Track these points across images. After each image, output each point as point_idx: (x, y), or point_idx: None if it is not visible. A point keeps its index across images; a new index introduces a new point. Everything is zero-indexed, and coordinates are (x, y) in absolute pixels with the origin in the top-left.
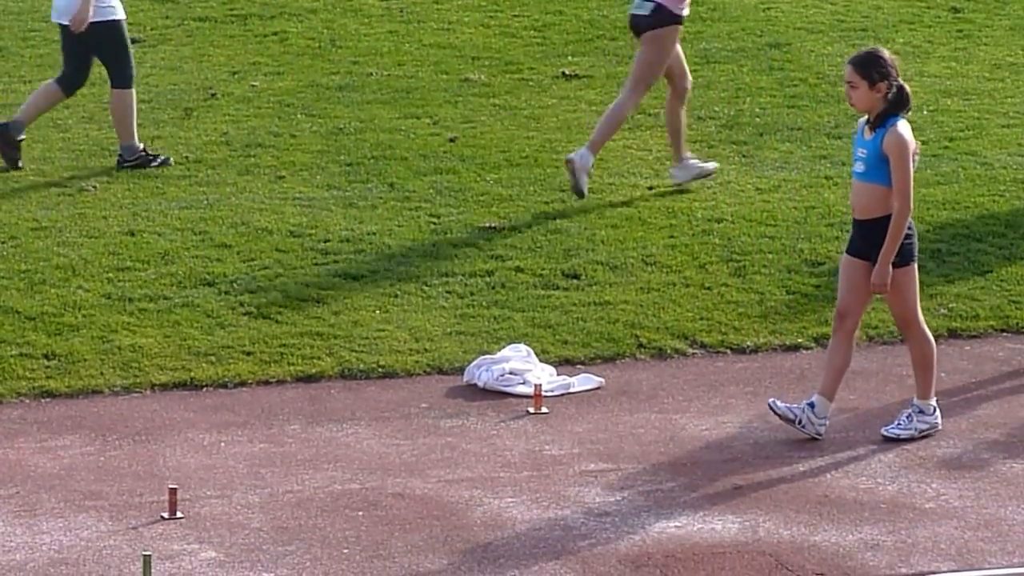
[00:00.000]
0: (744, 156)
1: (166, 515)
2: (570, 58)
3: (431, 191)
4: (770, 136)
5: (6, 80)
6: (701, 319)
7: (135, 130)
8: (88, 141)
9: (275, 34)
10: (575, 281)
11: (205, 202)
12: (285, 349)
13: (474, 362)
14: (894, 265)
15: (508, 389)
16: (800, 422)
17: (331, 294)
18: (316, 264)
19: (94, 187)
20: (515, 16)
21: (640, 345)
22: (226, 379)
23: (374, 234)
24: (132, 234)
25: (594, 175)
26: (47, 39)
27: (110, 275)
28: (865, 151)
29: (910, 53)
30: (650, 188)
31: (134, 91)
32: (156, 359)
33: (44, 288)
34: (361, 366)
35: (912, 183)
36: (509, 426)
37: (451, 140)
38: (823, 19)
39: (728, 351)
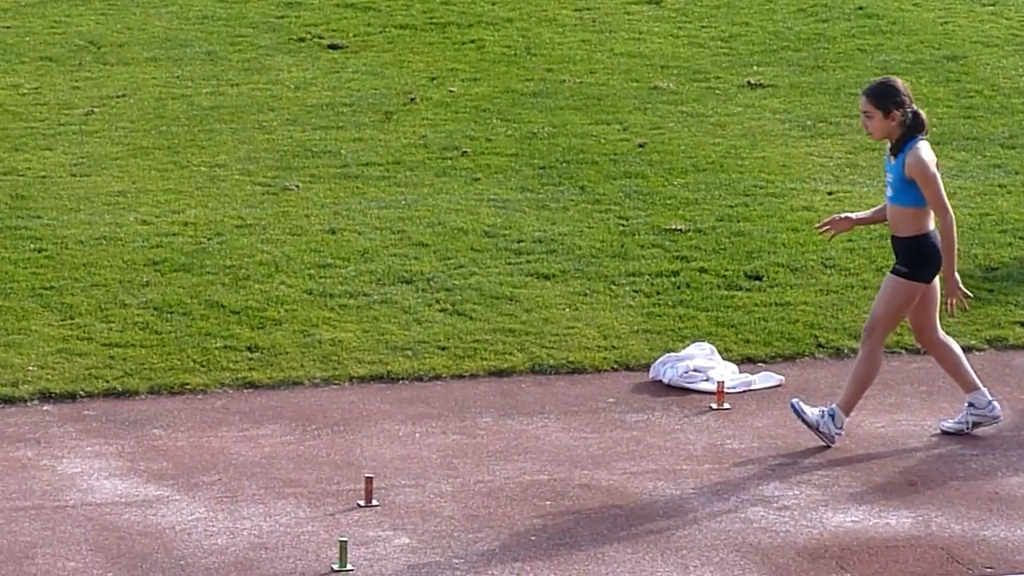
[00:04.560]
0: None
1: (362, 503)
2: (755, 68)
3: (620, 194)
4: (946, 145)
5: (214, 83)
6: None
7: None
8: (292, 142)
9: (472, 42)
10: (757, 282)
11: (403, 202)
12: (478, 345)
13: (659, 359)
14: (907, 276)
15: (692, 386)
16: (819, 428)
17: (523, 292)
18: (509, 263)
19: (297, 186)
20: (703, 27)
21: (819, 345)
22: (421, 373)
23: (565, 235)
24: (333, 232)
25: (776, 180)
26: (254, 44)
27: (311, 271)
28: (891, 175)
29: None
30: (830, 193)
31: None
32: (355, 353)
33: (248, 283)
34: (551, 362)
35: (941, 187)
36: (692, 421)
37: (640, 145)
38: (999, 33)
39: (903, 351)
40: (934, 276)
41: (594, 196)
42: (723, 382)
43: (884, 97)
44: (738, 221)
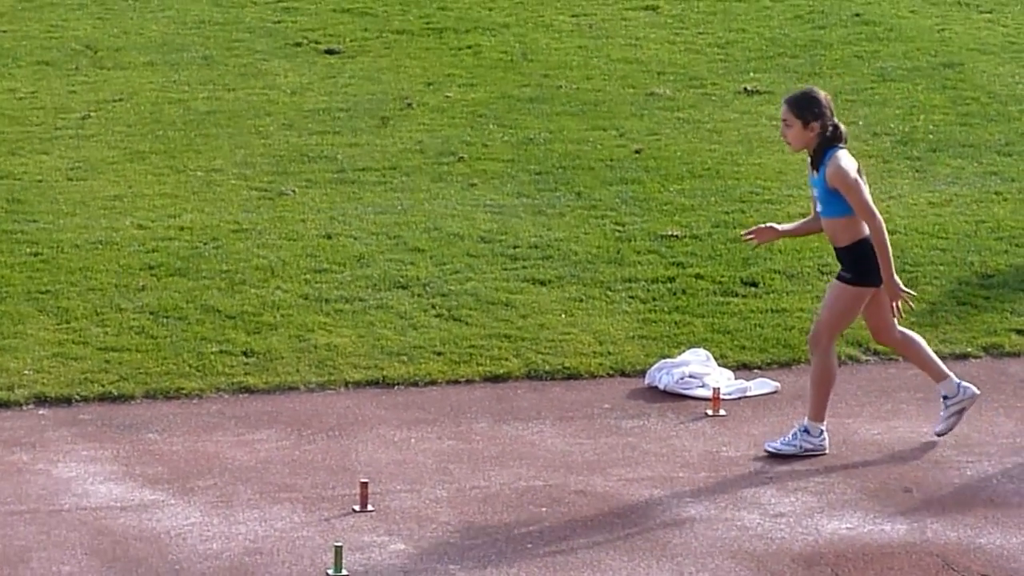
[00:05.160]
0: (917, 171)
1: (357, 508)
2: (752, 74)
3: (616, 200)
4: (943, 152)
5: (211, 88)
6: None
7: None
8: (288, 147)
9: (469, 47)
10: (753, 288)
11: (399, 207)
12: (474, 350)
13: (655, 365)
14: (852, 282)
15: (687, 392)
16: (802, 451)
17: (519, 298)
18: (505, 269)
19: (293, 191)
20: (699, 33)
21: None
22: (417, 378)
23: (561, 240)
24: (329, 237)
25: (772, 187)
26: (250, 49)
27: (307, 276)
28: (817, 190)
29: None
30: None
31: None
32: (350, 358)
33: (244, 288)
34: (547, 367)
35: (865, 193)
36: (688, 427)
37: (636, 151)
38: (995, 40)
39: (900, 358)
40: (881, 279)
41: (590, 202)
42: (719, 388)
43: (804, 107)
44: (734, 227)
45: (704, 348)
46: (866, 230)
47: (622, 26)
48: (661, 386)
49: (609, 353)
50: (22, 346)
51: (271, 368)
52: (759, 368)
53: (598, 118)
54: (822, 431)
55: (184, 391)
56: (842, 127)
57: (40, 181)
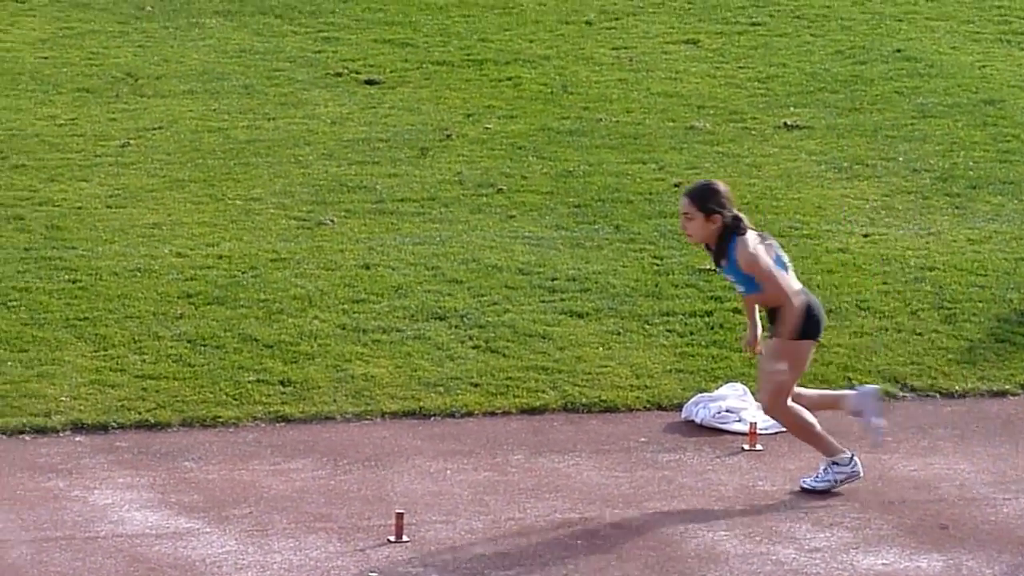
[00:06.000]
0: (957, 208)
1: (392, 538)
2: (792, 109)
3: (655, 233)
4: (983, 189)
5: (251, 117)
6: (912, 364)
7: None
8: (327, 177)
9: (509, 79)
10: None
11: (438, 239)
12: (511, 382)
13: (692, 399)
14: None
15: (724, 426)
16: (837, 484)
17: (556, 330)
18: (543, 301)
19: (332, 221)
20: (740, 67)
21: (852, 388)
22: (454, 409)
23: (599, 273)
24: (367, 267)
25: (811, 222)
26: (291, 78)
27: (345, 306)
28: (732, 277)
29: None
30: (865, 236)
31: None
32: (387, 388)
33: (282, 317)
34: (583, 400)
35: (778, 277)
36: (724, 462)
37: (675, 185)
38: None
39: (937, 395)
40: (818, 332)
41: (629, 235)
42: (755, 423)
43: (706, 199)
44: None
45: (741, 383)
46: (794, 287)
47: (662, 59)
48: (698, 420)
49: (646, 387)
50: (59, 373)
51: (308, 398)
52: None
53: (637, 151)
54: (851, 457)
55: (221, 420)
56: (743, 217)
57: (79, 208)
